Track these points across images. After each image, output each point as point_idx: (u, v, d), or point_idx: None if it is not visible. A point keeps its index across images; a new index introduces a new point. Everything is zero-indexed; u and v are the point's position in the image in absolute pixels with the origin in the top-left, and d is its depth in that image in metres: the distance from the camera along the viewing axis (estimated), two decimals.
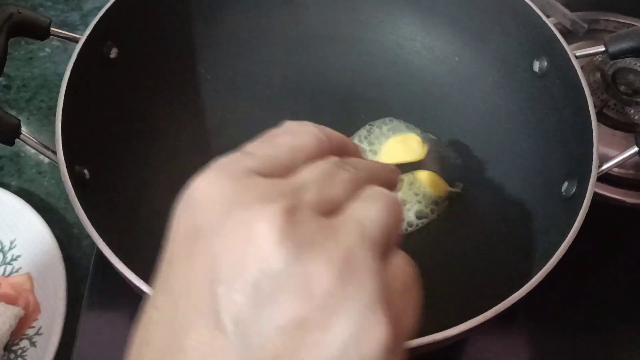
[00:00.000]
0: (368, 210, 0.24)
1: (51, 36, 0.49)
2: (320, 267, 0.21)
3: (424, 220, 0.58)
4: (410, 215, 0.58)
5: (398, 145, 0.61)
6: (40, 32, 0.49)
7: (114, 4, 0.52)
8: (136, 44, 0.55)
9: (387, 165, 0.32)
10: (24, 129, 0.47)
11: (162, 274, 0.24)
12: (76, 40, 0.49)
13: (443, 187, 0.59)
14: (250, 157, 0.25)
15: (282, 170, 0.25)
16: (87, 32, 0.49)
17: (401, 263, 0.24)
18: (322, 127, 0.28)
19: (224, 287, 0.21)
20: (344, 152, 0.29)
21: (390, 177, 0.31)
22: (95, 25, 0.50)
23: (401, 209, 0.26)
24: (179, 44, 0.61)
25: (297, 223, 0.22)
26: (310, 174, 0.25)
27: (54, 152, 0.46)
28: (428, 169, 0.60)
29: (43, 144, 0.46)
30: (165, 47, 0.59)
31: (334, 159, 0.26)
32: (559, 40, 0.53)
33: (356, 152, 0.31)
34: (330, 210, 0.24)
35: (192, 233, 0.23)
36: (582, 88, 0.50)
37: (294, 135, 0.27)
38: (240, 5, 0.63)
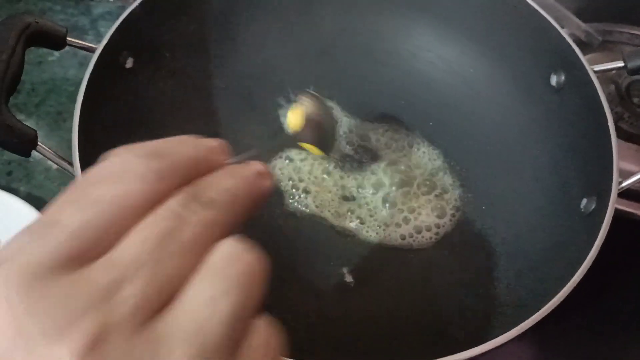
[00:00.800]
0: (209, 302, 0.19)
1: (68, 46, 0.49)
2: None
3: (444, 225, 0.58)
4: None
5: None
6: (57, 42, 0.48)
7: (130, 13, 0.52)
8: (151, 54, 0.55)
9: (253, 168, 0.25)
10: None
11: None
12: (92, 50, 0.49)
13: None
14: (53, 233, 0.19)
15: (99, 245, 0.19)
16: (104, 42, 0.49)
17: (261, 345, 0.20)
18: (162, 148, 0.22)
19: None
20: (201, 169, 0.23)
21: (259, 185, 0.25)
22: (112, 35, 0.50)
23: (260, 272, 0.21)
24: (194, 54, 0.60)
25: (103, 354, 0.17)
26: (134, 249, 0.19)
27: (69, 163, 0.45)
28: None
29: (60, 156, 0.46)
30: (180, 56, 0.59)
31: (173, 204, 0.21)
32: (577, 54, 0.52)
33: (217, 160, 0.24)
34: (163, 301, 0.19)
35: None
36: (601, 103, 0.50)
37: (115, 181, 0.20)
38: (255, 15, 0.63)
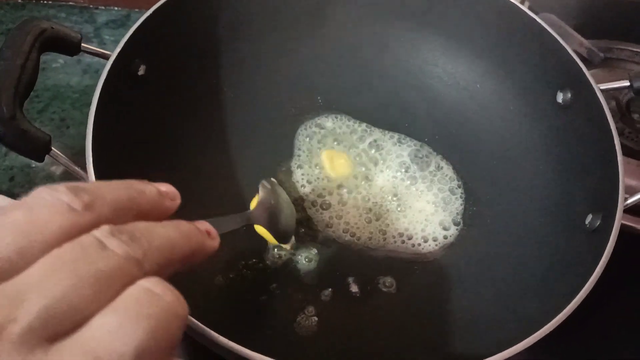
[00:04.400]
0: (116, 332, 0.18)
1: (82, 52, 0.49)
2: None
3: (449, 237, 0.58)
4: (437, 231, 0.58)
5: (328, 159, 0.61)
6: (72, 48, 0.48)
7: (143, 22, 0.52)
8: (163, 62, 0.55)
9: (202, 227, 0.25)
10: None
11: None
12: (106, 57, 0.49)
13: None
14: None
15: (4, 268, 0.18)
16: (118, 49, 0.49)
17: None
18: (93, 186, 0.21)
19: None
20: (142, 213, 0.22)
21: (202, 244, 0.24)
22: (126, 43, 0.50)
23: (178, 316, 0.20)
24: (205, 62, 0.61)
25: None
26: (37, 272, 0.18)
27: (82, 169, 0.45)
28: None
29: (74, 162, 0.45)
30: (190, 64, 0.59)
31: (97, 233, 0.20)
32: (584, 73, 0.53)
33: (158, 208, 0.24)
34: (67, 327, 0.18)
35: None
36: (607, 121, 0.51)
37: (31, 209, 0.20)
38: (265, 27, 0.63)
